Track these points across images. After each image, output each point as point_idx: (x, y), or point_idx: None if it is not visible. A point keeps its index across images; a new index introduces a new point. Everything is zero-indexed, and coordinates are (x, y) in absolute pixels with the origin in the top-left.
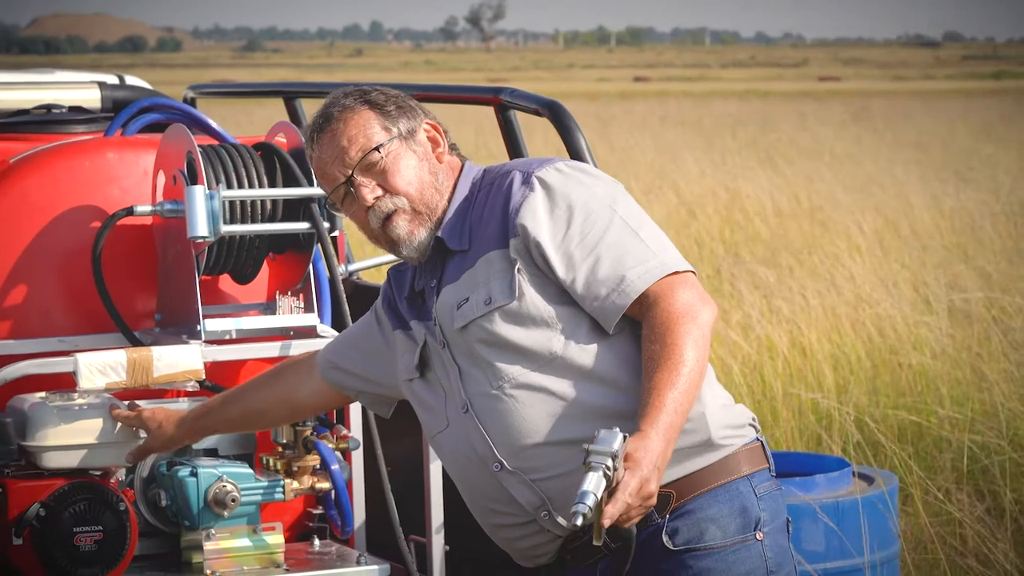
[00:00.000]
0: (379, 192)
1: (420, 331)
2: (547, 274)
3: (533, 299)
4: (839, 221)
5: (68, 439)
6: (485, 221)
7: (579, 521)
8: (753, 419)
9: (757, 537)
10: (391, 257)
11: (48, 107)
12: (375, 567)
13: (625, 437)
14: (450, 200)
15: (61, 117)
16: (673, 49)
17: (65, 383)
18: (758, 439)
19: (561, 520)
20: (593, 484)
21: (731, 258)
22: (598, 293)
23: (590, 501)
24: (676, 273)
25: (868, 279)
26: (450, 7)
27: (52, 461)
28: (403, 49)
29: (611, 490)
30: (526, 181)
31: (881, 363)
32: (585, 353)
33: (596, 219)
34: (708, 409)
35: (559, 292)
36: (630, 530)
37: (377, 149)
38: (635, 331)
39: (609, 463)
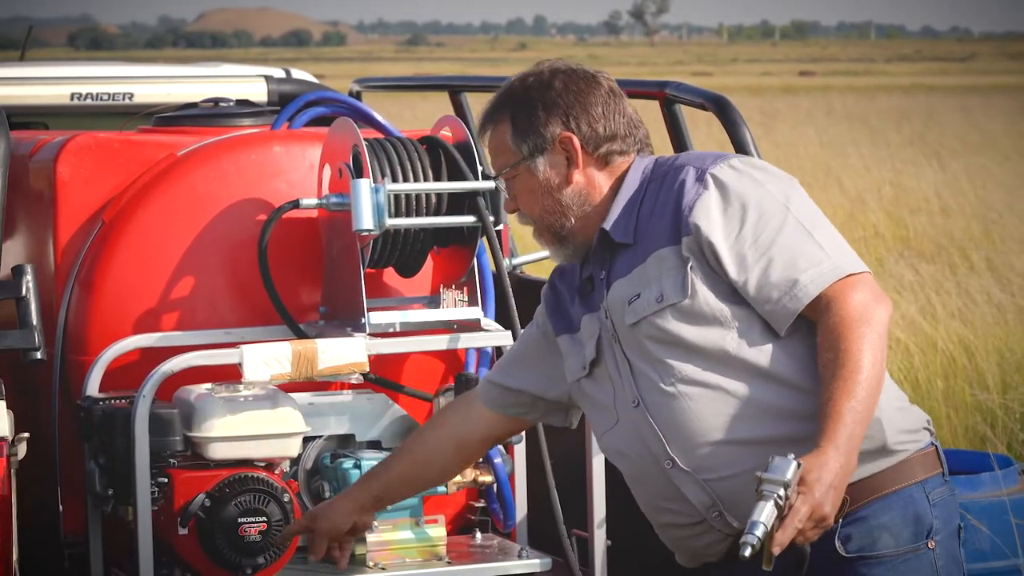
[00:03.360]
0: (513, 205)
1: (592, 324)
2: (720, 274)
3: (706, 297)
4: (1005, 217)
5: (233, 430)
6: (656, 216)
7: (747, 552)
8: (928, 422)
9: (929, 546)
10: None
11: (215, 100)
12: (536, 561)
13: (799, 465)
14: (616, 194)
15: (228, 111)
16: (838, 43)
17: (230, 374)
18: (933, 444)
19: (732, 520)
20: (764, 515)
21: (896, 253)
22: (770, 296)
23: (759, 532)
24: (850, 275)
25: None
26: (614, 1)
27: (217, 452)
28: (567, 43)
29: (782, 516)
30: (700, 178)
31: None
32: (759, 352)
33: (770, 219)
34: (884, 414)
35: (732, 291)
36: (804, 548)
37: (503, 172)
38: (810, 331)
39: (781, 492)
